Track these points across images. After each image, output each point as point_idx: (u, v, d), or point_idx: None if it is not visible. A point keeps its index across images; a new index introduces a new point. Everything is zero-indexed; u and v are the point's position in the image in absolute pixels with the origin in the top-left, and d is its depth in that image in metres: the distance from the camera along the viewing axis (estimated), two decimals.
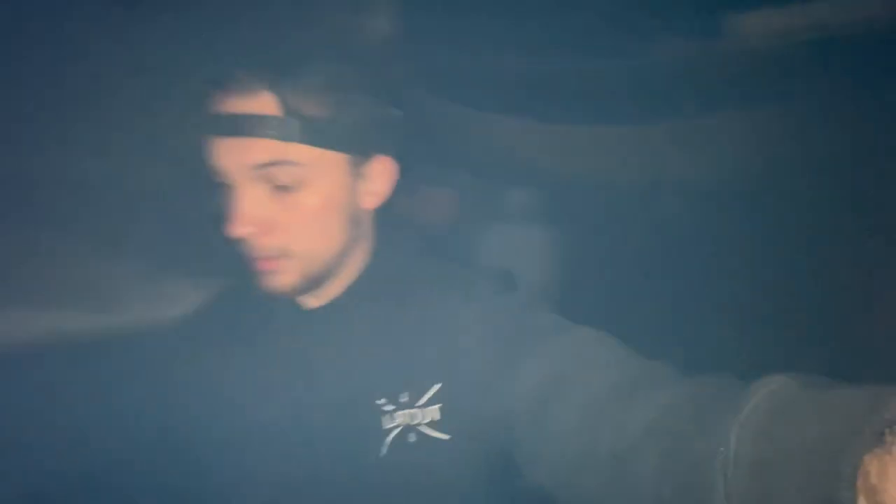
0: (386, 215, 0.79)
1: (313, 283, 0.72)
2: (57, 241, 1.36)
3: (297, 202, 0.66)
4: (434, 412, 0.72)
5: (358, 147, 0.69)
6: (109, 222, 1.45)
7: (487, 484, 0.78)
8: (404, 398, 0.73)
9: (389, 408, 0.72)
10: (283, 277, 0.69)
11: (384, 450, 0.72)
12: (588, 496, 0.60)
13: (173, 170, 1.50)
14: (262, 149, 0.63)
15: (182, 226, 1.46)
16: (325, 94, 0.64)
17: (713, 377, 0.55)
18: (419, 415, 0.72)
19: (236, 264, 0.73)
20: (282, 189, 0.65)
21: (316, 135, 0.64)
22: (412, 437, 0.72)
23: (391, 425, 0.72)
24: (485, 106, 2.72)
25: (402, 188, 0.78)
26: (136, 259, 1.42)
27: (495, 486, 0.80)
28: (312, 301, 0.77)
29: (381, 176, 0.73)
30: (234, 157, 0.64)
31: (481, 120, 2.78)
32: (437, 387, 0.72)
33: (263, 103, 0.63)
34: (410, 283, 0.79)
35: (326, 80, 0.65)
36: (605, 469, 0.56)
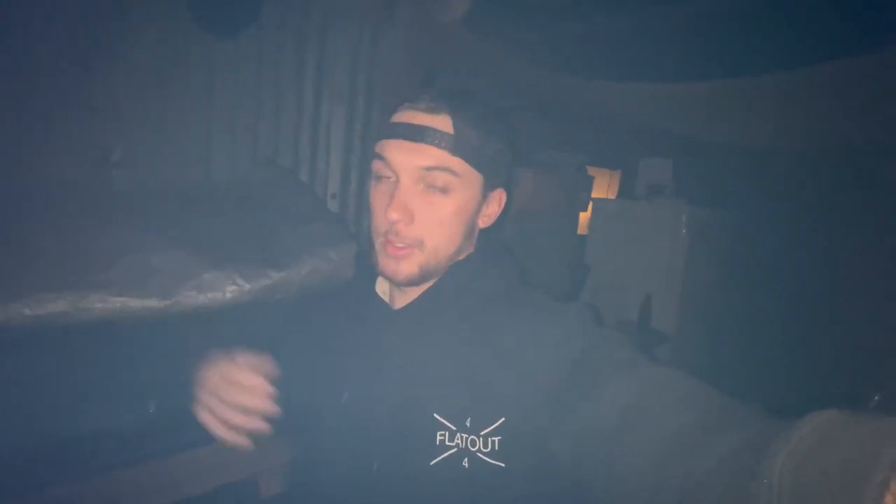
0: (488, 238, 0.94)
1: (424, 277, 0.85)
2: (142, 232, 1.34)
3: (440, 203, 0.82)
4: (494, 443, 0.76)
5: (491, 174, 0.86)
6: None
7: None
8: (468, 422, 0.77)
9: (451, 428, 0.77)
10: (407, 265, 0.82)
11: (435, 462, 0.77)
12: None
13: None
14: (432, 155, 0.80)
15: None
16: (483, 129, 0.83)
17: (778, 420, 0.56)
18: (478, 442, 0.76)
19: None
20: (433, 189, 0.81)
21: (471, 154, 0.81)
22: (466, 463, 0.76)
23: (449, 444, 0.76)
24: None
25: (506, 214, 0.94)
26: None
27: None
28: (400, 301, 0.88)
29: (497, 202, 0.91)
30: (408, 157, 0.80)
31: None
32: (501, 420, 0.76)
33: (442, 121, 0.79)
34: (494, 303, 0.86)
35: (486, 120, 0.84)
36: None
